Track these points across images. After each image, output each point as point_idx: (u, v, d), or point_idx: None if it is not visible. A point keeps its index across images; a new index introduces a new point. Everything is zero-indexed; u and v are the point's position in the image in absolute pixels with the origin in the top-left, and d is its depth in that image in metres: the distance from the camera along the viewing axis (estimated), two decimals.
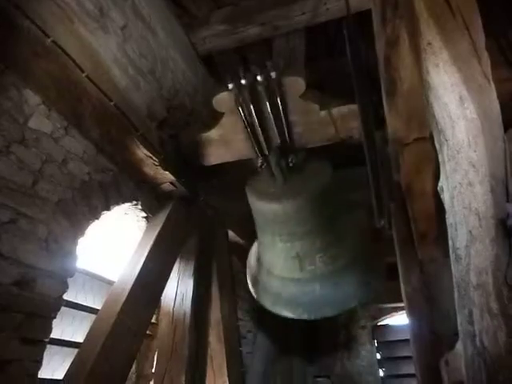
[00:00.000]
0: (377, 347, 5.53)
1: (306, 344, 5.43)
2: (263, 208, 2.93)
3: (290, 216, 2.83)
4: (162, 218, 2.82)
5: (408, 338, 2.24)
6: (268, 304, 3.46)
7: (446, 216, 1.13)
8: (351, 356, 5.47)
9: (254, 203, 2.99)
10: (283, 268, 3.20)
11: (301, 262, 3.04)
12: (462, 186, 1.02)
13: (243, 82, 2.50)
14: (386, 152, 2.22)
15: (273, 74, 2.44)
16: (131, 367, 2.43)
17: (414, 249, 2.06)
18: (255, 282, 3.56)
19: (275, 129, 2.66)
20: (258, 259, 3.53)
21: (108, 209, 2.42)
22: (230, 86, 2.53)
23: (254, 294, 3.58)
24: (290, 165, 2.79)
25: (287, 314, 3.28)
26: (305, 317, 3.22)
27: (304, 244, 3.00)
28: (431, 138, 1.65)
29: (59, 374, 2.16)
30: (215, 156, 2.97)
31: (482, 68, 1.07)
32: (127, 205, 2.68)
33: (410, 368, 3.81)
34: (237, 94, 2.56)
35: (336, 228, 3.08)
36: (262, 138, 2.72)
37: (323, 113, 2.64)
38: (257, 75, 2.47)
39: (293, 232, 2.94)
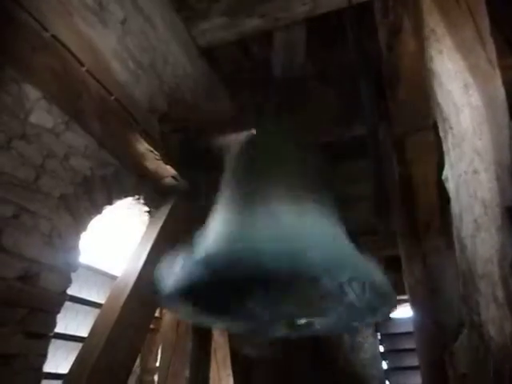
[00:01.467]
0: (380, 340, 5.54)
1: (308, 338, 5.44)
2: (236, 152, 2.29)
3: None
4: (164, 212, 2.81)
5: (411, 330, 2.24)
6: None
7: (451, 205, 1.12)
8: (354, 349, 5.48)
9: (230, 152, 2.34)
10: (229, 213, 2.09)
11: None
12: (467, 175, 1.00)
13: None
14: (388, 142, 2.21)
15: None
16: (135, 361, 2.44)
17: (417, 240, 2.06)
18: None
19: None
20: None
21: (110, 203, 2.41)
22: None
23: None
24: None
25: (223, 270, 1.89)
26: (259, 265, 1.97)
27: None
28: (434, 127, 1.64)
29: (64, 368, 2.17)
30: None
31: (486, 55, 1.05)
32: (129, 199, 2.67)
33: (413, 360, 3.83)
34: None
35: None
36: None
37: None
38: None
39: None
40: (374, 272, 1.48)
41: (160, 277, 1.69)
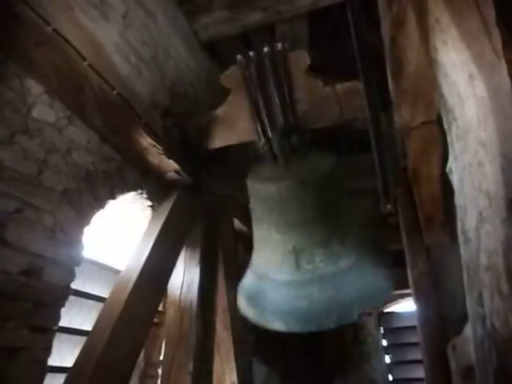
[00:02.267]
0: (383, 334, 5.55)
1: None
2: (260, 190, 2.63)
3: (287, 199, 2.52)
4: (167, 207, 2.82)
5: (414, 324, 2.24)
6: (254, 314, 2.73)
7: (455, 198, 1.11)
8: (357, 343, 5.50)
9: (252, 187, 2.70)
10: (276, 267, 2.64)
11: (297, 257, 2.53)
12: (472, 167, 0.99)
13: (251, 53, 2.53)
14: (391, 136, 2.19)
15: (279, 45, 2.45)
16: (139, 355, 2.45)
17: (420, 234, 2.05)
18: (242, 288, 2.94)
19: (280, 107, 2.62)
20: (250, 262, 2.99)
21: (113, 198, 2.42)
22: (239, 57, 2.55)
23: (239, 302, 2.92)
24: (293, 144, 2.66)
25: (277, 325, 2.56)
26: (297, 329, 2.52)
27: (302, 235, 2.55)
28: (438, 121, 1.63)
29: (69, 362, 2.19)
30: (219, 139, 2.92)
31: (492, 45, 1.04)
32: (132, 194, 2.68)
33: (416, 354, 3.83)
34: (243, 67, 2.56)
35: (338, 219, 2.67)
36: (265, 118, 2.67)
37: (327, 89, 2.61)
38: (263, 48, 2.47)
39: (290, 221, 2.55)
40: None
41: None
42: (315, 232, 2.58)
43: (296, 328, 2.53)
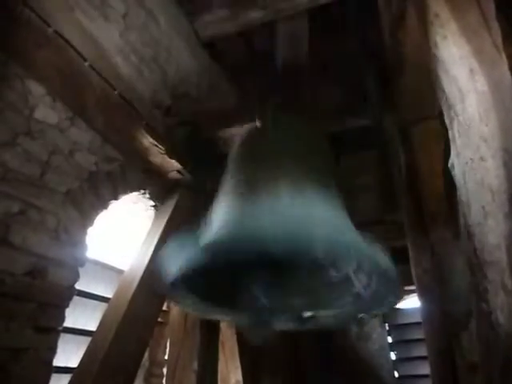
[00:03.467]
0: (388, 330, 5.54)
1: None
2: (241, 142, 2.29)
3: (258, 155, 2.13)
4: (170, 207, 2.82)
5: (419, 320, 2.23)
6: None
7: (458, 193, 1.11)
8: (362, 339, 5.49)
9: (235, 144, 2.31)
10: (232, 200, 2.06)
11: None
12: (474, 162, 0.99)
13: None
14: (393, 132, 2.19)
15: None
16: (144, 354, 2.46)
17: (424, 230, 2.04)
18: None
19: None
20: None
21: (116, 198, 2.42)
22: None
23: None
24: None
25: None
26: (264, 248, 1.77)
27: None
28: (440, 116, 1.62)
29: (74, 362, 2.20)
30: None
31: (492, 39, 1.03)
32: (135, 194, 2.68)
33: (421, 350, 3.82)
34: None
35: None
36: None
37: None
38: None
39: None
40: (380, 257, 1.46)
41: (163, 264, 1.64)
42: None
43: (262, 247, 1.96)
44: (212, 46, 3.43)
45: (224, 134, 2.99)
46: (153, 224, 2.77)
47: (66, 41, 1.95)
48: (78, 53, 2.01)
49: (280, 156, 2.01)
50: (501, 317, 0.92)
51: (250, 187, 1.93)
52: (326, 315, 1.96)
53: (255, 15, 3.10)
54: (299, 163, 1.99)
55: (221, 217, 1.91)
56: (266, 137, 2.18)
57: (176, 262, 1.59)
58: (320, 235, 1.49)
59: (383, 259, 1.44)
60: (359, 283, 1.69)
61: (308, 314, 1.93)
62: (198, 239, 1.70)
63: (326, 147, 2.20)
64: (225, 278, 1.83)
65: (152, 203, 2.86)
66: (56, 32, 1.89)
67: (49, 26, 1.86)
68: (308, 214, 1.63)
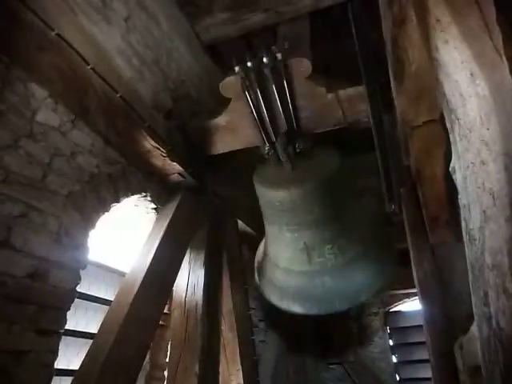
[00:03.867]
0: (389, 333, 5.53)
1: (318, 331, 5.45)
2: (270, 196, 2.85)
3: (297, 204, 2.75)
4: (171, 209, 2.82)
5: (420, 323, 2.23)
6: (275, 299, 3.33)
7: (459, 197, 1.11)
8: (364, 343, 5.48)
9: (261, 191, 2.91)
10: (290, 260, 3.08)
11: (309, 253, 2.91)
12: (475, 165, 0.99)
13: (249, 64, 2.48)
14: (394, 136, 2.19)
15: (278, 56, 2.42)
16: (145, 357, 2.45)
17: (425, 233, 2.04)
18: (262, 277, 3.45)
19: (282, 114, 2.63)
20: (265, 252, 3.41)
21: (117, 201, 2.43)
22: (237, 69, 2.51)
23: (261, 289, 3.48)
24: (298, 150, 2.74)
25: (295, 309, 3.17)
26: (314, 312, 3.10)
27: (312, 234, 2.88)
28: (441, 119, 1.62)
29: (75, 365, 2.20)
30: (222, 144, 2.95)
31: (493, 43, 1.03)
32: (136, 196, 2.68)
33: (423, 354, 3.81)
34: (243, 77, 2.54)
35: (345, 217, 2.96)
36: (268, 124, 2.69)
37: (330, 95, 2.60)
38: (262, 57, 2.45)
39: (300, 221, 2.84)
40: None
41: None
42: (324, 229, 2.87)
43: (313, 310, 3.07)
44: (213, 49, 3.44)
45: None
46: (154, 226, 2.77)
47: (69, 44, 1.96)
48: (81, 56, 2.02)
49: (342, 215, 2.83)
50: (502, 320, 0.91)
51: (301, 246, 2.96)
52: None
53: (257, 18, 3.11)
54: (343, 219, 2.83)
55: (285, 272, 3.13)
56: (302, 190, 2.76)
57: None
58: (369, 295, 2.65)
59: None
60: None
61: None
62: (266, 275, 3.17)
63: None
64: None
65: (153, 206, 2.87)
66: (58, 35, 1.90)
67: (51, 29, 1.87)
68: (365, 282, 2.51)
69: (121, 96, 2.26)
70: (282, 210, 2.85)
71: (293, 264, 3.10)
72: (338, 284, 2.98)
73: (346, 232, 2.98)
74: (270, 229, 3.16)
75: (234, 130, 2.87)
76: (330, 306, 3.05)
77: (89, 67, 2.06)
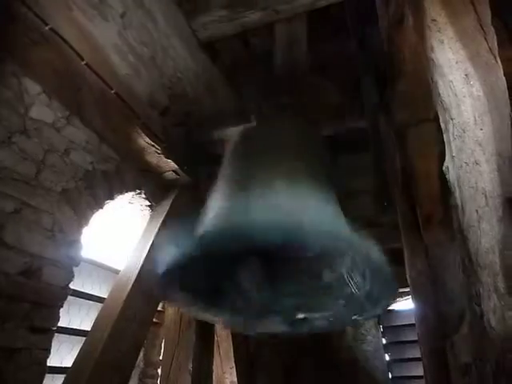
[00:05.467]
0: (382, 332, 5.55)
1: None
2: (237, 139, 2.38)
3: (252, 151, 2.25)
4: (165, 207, 2.81)
5: (413, 322, 2.24)
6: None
7: (452, 196, 1.12)
8: (357, 341, 5.50)
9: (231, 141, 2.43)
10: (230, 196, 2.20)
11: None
12: (468, 165, 1.00)
13: None
14: (389, 135, 2.20)
15: None
16: (138, 354, 2.45)
17: (418, 232, 2.05)
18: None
19: None
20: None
21: (112, 198, 2.42)
22: None
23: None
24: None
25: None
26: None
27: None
28: (436, 119, 1.63)
29: (68, 362, 2.19)
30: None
31: (488, 44, 1.04)
32: (131, 194, 2.67)
33: (415, 352, 3.83)
34: None
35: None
36: None
37: None
38: None
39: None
40: (373, 253, 1.47)
41: (161, 252, 1.71)
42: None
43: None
44: (210, 47, 3.43)
45: (221, 134, 2.99)
46: (148, 224, 2.76)
47: (63, 39, 1.94)
48: (75, 51, 2.00)
49: (275, 152, 2.09)
50: (493, 319, 0.92)
51: (245, 181, 2.03)
52: (320, 317, 2.00)
53: (254, 16, 3.10)
54: (294, 159, 2.05)
55: (216, 209, 1.97)
56: (263, 134, 2.24)
57: (172, 251, 1.64)
58: (312, 226, 1.49)
59: (377, 255, 1.44)
60: (353, 282, 1.69)
61: (301, 316, 1.95)
62: (194, 230, 1.76)
63: (321, 146, 2.24)
64: (218, 274, 1.85)
65: (148, 203, 2.86)
66: (53, 30, 1.88)
67: (46, 23, 1.85)
68: (300, 206, 1.67)
69: (116, 92, 2.25)
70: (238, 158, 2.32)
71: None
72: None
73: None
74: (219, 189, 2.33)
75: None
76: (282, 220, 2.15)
77: (83, 63, 2.04)
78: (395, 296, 1.74)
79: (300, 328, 1.97)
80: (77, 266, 2.08)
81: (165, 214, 2.75)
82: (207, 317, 2.14)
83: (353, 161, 3.19)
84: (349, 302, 1.80)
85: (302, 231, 1.48)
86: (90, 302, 2.60)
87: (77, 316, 2.51)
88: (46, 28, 1.83)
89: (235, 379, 3.20)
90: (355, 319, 2.02)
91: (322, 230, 1.52)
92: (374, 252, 1.45)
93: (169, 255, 1.65)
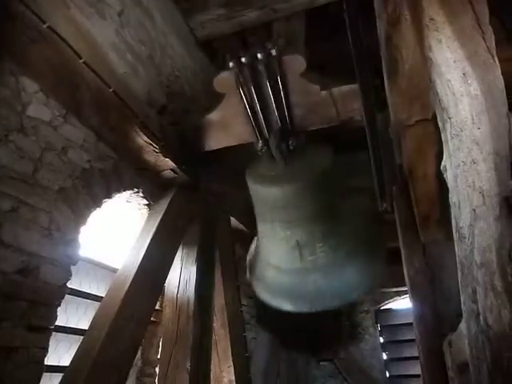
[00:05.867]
0: (380, 331, 5.57)
1: (309, 329, 5.47)
2: (263, 192, 2.85)
3: (289, 200, 2.76)
4: (163, 206, 2.81)
5: (411, 321, 2.25)
6: (266, 297, 3.34)
7: (450, 195, 1.12)
8: (355, 340, 5.52)
9: (254, 188, 2.91)
10: (282, 258, 3.09)
11: (301, 250, 2.92)
12: (466, 164, 1.00)
13: (243, 60, 2.47)
14: (387, 134, 2.20)
15: (273, 52, 2.41)
16: (136, 353, 2.45)
17: (416, 231, 2.06)
18: (253, 274, 3.47)
19: (276, 111, 2.62)
20: (257, 250, 3.42)
21: (109, 197, 2.41)
22: (231, 64, 2.50)
23: (253, 286, 3.50)
24: (291, 147, 2.73)
25: (286, 306, 3.18)
26: (305, 309, 3.10)
27: (304, 232, 2.89)
28: (434, 119, 1.63)
29: (66, 361, 2.19)
30: (215, 141, 2.94)
31: (485, 43, 1.04)
32: (128, 192, 2.67)
33: (413, 351, 3.85)
34: (237, 72, 2.53)
35: (336, 215, 2.98)
36: (262, 121, 2.68)
37: (324, 93, 2.60)
38: (257, 53, 2.44)
39: (292, 219, 2.85)
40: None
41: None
42: (315, 227, 2.88)
43: (303, 308, 3.06)
44: (208, 45, 3.43)
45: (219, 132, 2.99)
46: (146, 223, 2.76)
47: (61, 37, 1.93)
48: (73, 49, 1.99)
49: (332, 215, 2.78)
50: (490, 318, 0.93)
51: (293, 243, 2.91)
52: None
53: (252, 15, 3.10)
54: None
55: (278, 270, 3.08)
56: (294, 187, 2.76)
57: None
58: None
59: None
60: None
61: None
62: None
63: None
64: None
65: (146, 202, 2.86)
66: (50, 28, 1.87)
67: (43, 22, 1.84)
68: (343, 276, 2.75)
69: (113, 91, 2.24)
70: (275, 207, 2.86)
71: (284, 262, 3.11)
72: (329, 282, 2.99)
73: (336, 230, 3.00)
74: (262, 226, 3.16)
75: (227, 126, 2.86)
76: (320, 303, 3.06)
77: (81, 61, 2.04)
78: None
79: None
80: (74, 264, 2.08)
81: (163, 212, 2.75)
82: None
83: (351, 160, 3.20)
84: None
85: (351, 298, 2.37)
86: (88, 300, 2.59)
87: (74, 315, 2.50)
88: (44, 26, 1.82)
89: (233, 378, 3.20)
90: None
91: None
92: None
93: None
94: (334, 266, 3.01)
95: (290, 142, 2.72)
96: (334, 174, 2.83)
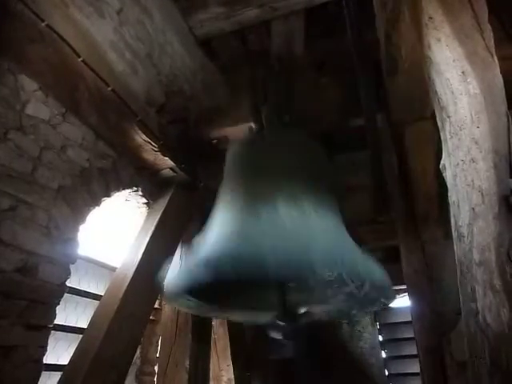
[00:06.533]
0: (379, 329, 5.57)
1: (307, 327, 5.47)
2: (238, 152, 2.42)
3: (258, 163, 2.28)
4: (162, 204, 2.81)
5: (410, 319, 2.25)
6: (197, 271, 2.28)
7: (449, 194, 1.12)
8: (353, 338, 5.52)
9: (232, 153, 2.44)
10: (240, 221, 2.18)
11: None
12: (465, 163, 1.00)
13: None
14: (387, 133, 2.20)
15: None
16: (135, 352, 2.45)
17: (415, 230, 2.06)
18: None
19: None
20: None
21: (108, 195, 2.41)
22: None
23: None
24: (283, 120, 2.57)
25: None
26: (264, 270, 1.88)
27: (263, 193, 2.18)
28: (432, 117, 1.63)
29: (64, 360, 2.19)
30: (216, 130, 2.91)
31: (484, 42, 1.04)
32: (128, 191, 2.67)
33: (412, 349, 3.84)
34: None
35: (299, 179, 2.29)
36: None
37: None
38: None
39: (257, 182, 2.22)
40: (374, 270, 1.58)
41: (163, 274, 1.85)
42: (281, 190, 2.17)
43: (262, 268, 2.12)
44: (207, 44, 3.42)
45: (218, 132, 2.99)
46: (145, 221, 2.76)
47: (60, 36, 1.92)
48: (72, 48, 1.99)
49: (278, 168, 2.15)
50: (489, 317, 0.93)
51: (250, 199, 2.08)
52: (320, 310, 2.13)
53: (251, 13, 3.09)
54: (297, 176, 2.10)
55: (220, 228, 2.02)
56: (264, 147, 2.28)
57: (175, 273, 1.78)
58: (318, 252, 1.58)
59: (378, 272, 1.54)
60: (353, 284, 1.75)
61: (303, 310, 1.99)
62: (196, 249, 1.87)
63: (324, 158, 2.26)
64: (224, 287, 1.89)
65: (145, 200, 2.85)
66: (49, 27, 1.87)
67: (42, 20, 1.83)
68: (306, 231, 1.78)
69: (112, 89, 2.23)
70: (242, 168, 2.36)
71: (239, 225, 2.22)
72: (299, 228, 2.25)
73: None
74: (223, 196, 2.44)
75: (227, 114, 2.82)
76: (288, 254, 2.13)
77: (80, 60, 2.03)
78: (391, 298, 1.82)
79: (300, 321, 2.03)
80: (73, 263, 2.08)
81: (162, 211, 2.75)
82: (205, 314, 2.30)
83: (350, 158, 3.20)
84: (348, 298, 1.85)
85: (310, 260, 1.56)
86: (87, 299, 2.59)
87: (73, 313, 2.50)
88: (43, 25, 1.82)
89: (232, 376, 3.20)
90: (353, 313, 2.25)
91: (328, 257, 1.60)
92: (375, 268, 1.59)
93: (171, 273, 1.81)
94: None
95: (282, 117, 2.61)
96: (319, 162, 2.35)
